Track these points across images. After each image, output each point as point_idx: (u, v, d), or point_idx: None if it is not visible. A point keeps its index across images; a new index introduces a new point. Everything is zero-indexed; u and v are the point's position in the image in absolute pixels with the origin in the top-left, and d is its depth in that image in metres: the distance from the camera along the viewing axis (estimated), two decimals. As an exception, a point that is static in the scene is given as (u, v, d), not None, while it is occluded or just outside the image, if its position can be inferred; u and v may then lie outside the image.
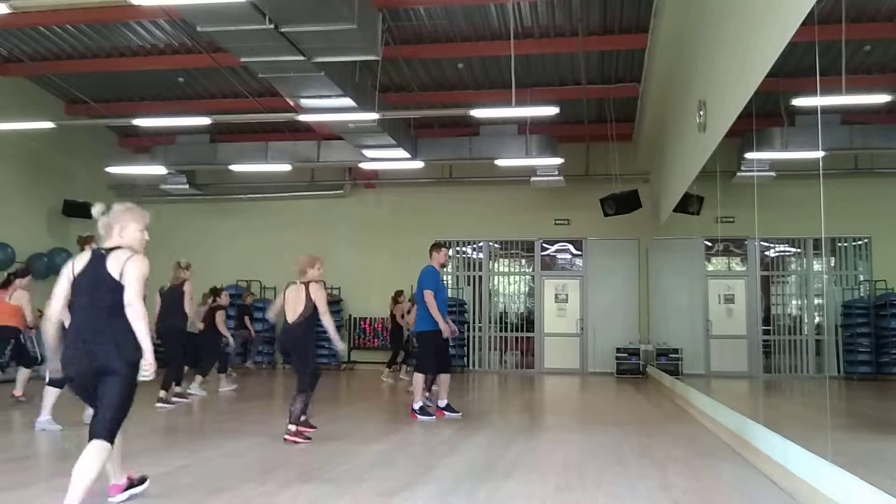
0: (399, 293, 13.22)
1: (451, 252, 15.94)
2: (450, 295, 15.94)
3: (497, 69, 12.32)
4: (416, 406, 7.55)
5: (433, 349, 7.53)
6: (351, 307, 15.87)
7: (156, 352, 3.67)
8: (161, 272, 9.94)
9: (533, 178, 14.02)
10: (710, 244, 15.03)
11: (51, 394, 6.49)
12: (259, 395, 10.86)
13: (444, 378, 7.70)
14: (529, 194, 15.09)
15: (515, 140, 13.30)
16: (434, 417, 7.52)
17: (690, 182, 9.26)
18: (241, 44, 8.57)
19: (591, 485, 4.42)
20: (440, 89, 13.24)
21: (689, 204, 11.04)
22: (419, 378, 7.68)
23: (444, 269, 7.87)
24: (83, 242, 7.19)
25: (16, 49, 12.23)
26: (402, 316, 12.62)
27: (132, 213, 3.83)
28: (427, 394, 7.98)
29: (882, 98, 10.79)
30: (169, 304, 8.71)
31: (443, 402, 7.71)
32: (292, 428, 5.94)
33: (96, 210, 3.81)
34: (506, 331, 16.09)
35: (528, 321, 16.13)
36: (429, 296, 7.37)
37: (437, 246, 7.82)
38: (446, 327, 7.43)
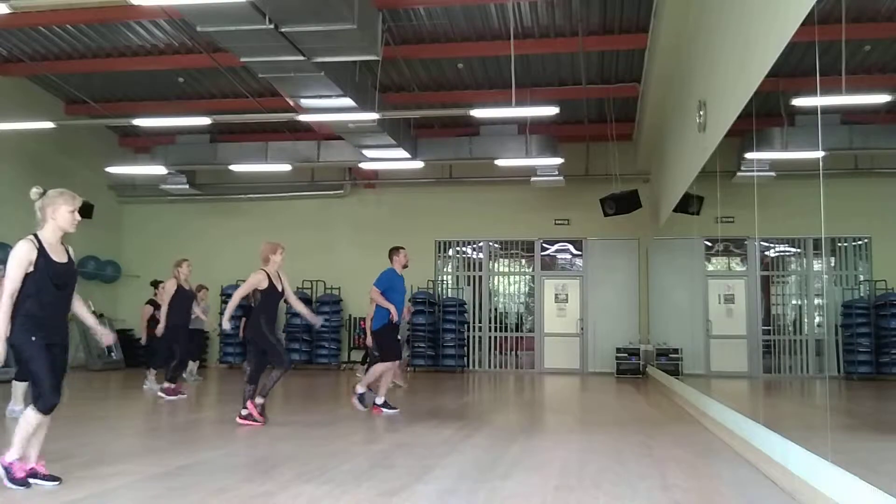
0: None
1: (444, 252, 15.98)
2: (449, 295, 15.98)
3: (497, 69, 12.32)
4: (379, 401, 7.89)
5: (394, 338, 8.10)
6: (351, 307, 15.86)
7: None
8: (167, 272, 10.03)
9: (533, 178, 14.02)
10: (710, 244, 15.01)
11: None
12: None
13: (388, 370, 8.04)
14: (529, 194, 15.09)
15: (515, 140, 13.30)
16: (398, 410, 7.89)
17: (690, 182, 9.26)
18: (241, 44, 8.58)
19: (591, 485, 4.42)
20: (440, 89, 13.23)
21: (689, 204, 11.02)
22: (386, 367, 7.99)
23: (406, 270, 8.41)
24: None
25: (16, 49, 12.23)
26: None
27: (63, 196, 4.21)
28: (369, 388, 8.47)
29: (882, 98, 10.78)
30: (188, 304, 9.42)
31: (380, 400, 7.96)
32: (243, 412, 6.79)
33: (34, 193, 4.23)
34: (506, 331, 16.09)
35: (528, 321, 16.14)
36: (374, 292, 7.94)
37: (395, 249, 8.30)
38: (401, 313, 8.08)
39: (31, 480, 4.09)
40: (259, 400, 6.89)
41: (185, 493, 4.08)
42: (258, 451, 5.61)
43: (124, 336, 15.72)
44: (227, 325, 7.48)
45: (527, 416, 8.69)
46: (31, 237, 4.15)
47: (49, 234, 4.18)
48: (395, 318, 7.92)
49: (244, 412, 6.80)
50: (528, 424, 7.73)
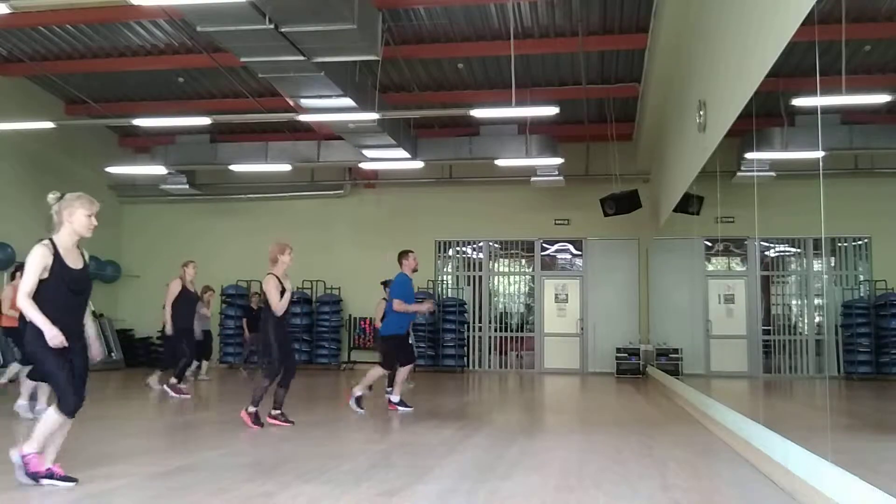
0: None
1: (437, 253, 15.99)
2: (450, 295, 16.00)
3: (497, 69, 12.31)
4: (395, 399, 8.06)
5: (398, 349, 8.11)
6: (351, 307, 15.86)
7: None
8: (166, 271, 10.05)
9: (533, 178, 14.01)
10: (710, 244, 15.01)
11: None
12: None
13: (403, 371, 8.17)
14: (529, 194, 15.09)
15: (515, 140, 13.30)
16: (412, 409, 8.02)
17: (690, 182, 9.26)
18: (241, 44, 8.57)
19: (591, 485, 4.42)
20: (440, 89, 13.24)
21: (689, 204, 11.03)
22: (380, 373, 8.11)
23: (416, 273, 8.37)
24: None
25: (16, 49, 12.22)
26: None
27: (81, 200, 4.19)
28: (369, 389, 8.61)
29: (882, 98, 10.78)
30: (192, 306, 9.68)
31: (396, 398, 8.12)
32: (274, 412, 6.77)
33: (51, 197, 4.19)
34: (506, 331, 16.09)
35: (528, 321, 16.14)
36: (399, 304, 7.87)
37: (404, 253, 8.18)
38: (425, 306, 8.40)
39: (47, 482, 4.09)
40: (277, 410, 6.87)
41: (185, 493, 4.08)
42: (258, 451, 5.60)
43: (124, 336, 15.74)
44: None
45: (527, 416, 8.69)
46: (47, 241, 4.10)
47: (65, 239, 4.14)
48: (425, 315, 7.98)
49: (273, 412, 6.85)
50: (529, 424, 7.73)
